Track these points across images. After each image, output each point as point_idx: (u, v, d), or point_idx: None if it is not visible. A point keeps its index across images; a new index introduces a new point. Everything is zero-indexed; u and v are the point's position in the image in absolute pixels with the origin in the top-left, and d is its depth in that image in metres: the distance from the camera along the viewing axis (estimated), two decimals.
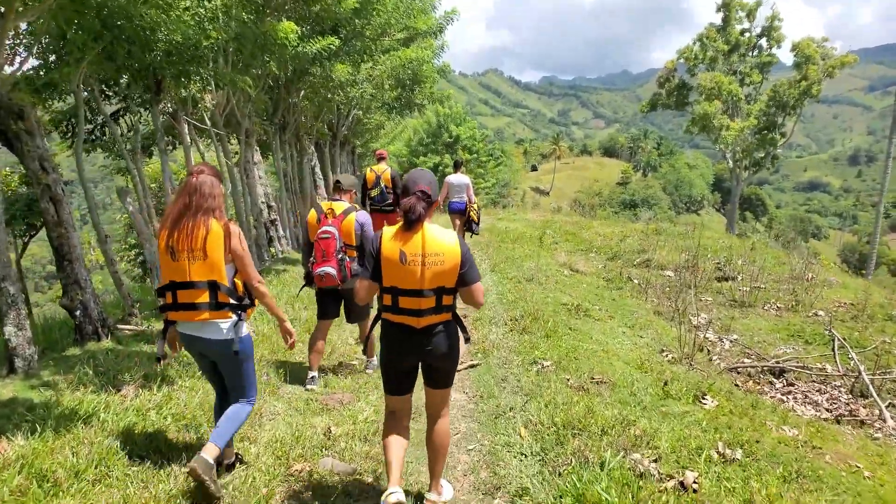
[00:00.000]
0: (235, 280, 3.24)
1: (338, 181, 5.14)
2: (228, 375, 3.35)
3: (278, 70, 10.33)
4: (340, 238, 4.81)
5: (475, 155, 37.94)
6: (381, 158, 9.98)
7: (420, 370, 3.19)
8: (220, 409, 3.48)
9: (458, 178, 10.53)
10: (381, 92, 16.07)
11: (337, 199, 5.04)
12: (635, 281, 11.29)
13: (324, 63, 10.67)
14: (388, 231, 2.97)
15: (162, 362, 3.86)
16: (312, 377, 5.12)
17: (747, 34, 32.63)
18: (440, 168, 35.22)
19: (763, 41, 32.43)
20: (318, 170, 15.84)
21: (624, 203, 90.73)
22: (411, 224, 2.92)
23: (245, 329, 3.26)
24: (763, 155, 31.27)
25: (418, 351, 3.05)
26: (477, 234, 11.62)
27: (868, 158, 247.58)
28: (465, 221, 10.43)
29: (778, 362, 7.76)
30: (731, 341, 8.63)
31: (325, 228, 4.81)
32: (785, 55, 33.20)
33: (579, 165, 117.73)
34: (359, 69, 11.38)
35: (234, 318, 3.19)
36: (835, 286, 10.90)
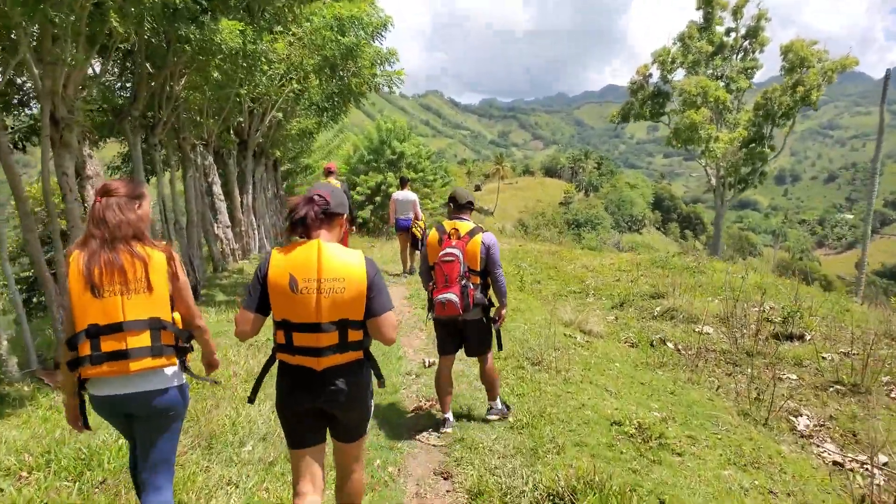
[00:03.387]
0: (174, 316, 2.61)
1: (455, 198, 4.50)
2: (155, 441, 2.58)
3: (122, 27, 6.41)
4: (465, 262, 4.23)
5: (421, 173, 34.27)
6: (329, 172, 9.72)
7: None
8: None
9: (405, 195, 10.20)
10: (307, 86, 12.33)
11: (460, 218, 4.42)
12: (670, 345, 7.84)
13: (202, 21, 6.82)
14: (278, 251, 2.48)
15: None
16: (446, 419, 4.50)
17: (733, 34, 29.54)
18: (383, 187, 31.43)
19: (747, 43, 29.39)
20: (217, 188, 11.73)
21: (568, 223, 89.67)
22: (294, 229, 2.47)
23: (184, 377, 2.66)
24: (750, 170, 28.62)
25: (317, 398, 2.49)
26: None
27: (793, 178, 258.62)
28: (412, 239, 10.24)
29: None
30: (881, 469, 5.15)
31: (448, 251, 4.20)
32: (768, 59, 30.67)
33: (522, 185, 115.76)
34: (260, 36, 7.53)
35: (178, 363, 2.60)
36: None
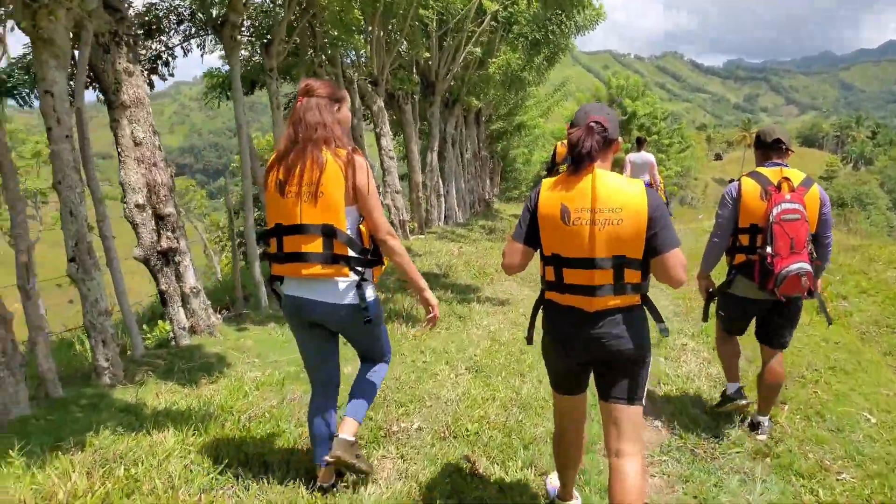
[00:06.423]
0: (361, 228, 2.50)
1: (778, 139, 3.31)
2: (358, 343, 2.70)
3: None
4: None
5: (655, 136, 29.65)
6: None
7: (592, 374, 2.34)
8: (319, 408, 2.64)
9: (642, 157, 9.35)
10: (514, 10, 9.42)
11: (783, 164, 3.30)
12: None
13: None
14: (549, 181, 2.22)
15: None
16: (760, 423, 3.51)
17: None
18: None
19: None
20: (387, 142, 9.17)
21: (830, 201, 76.81)
22: (579, 164, 2.12)
23: (371, 292, 2.50)
24: None
25: (589, 345, 2.20)
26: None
27: None
28: None
29: None
30: None
31: (788, 205, 3.09)
32: None
33: None
34: None
35: (354, 276, 2.45)
36: None
